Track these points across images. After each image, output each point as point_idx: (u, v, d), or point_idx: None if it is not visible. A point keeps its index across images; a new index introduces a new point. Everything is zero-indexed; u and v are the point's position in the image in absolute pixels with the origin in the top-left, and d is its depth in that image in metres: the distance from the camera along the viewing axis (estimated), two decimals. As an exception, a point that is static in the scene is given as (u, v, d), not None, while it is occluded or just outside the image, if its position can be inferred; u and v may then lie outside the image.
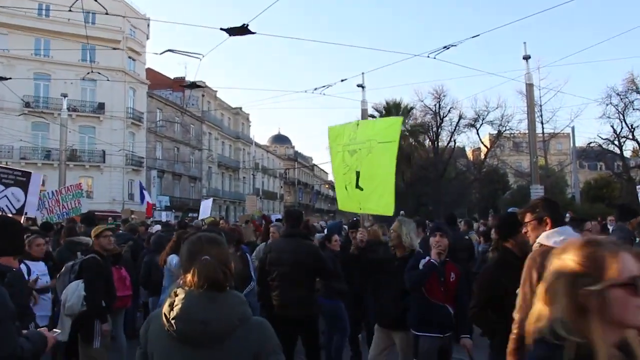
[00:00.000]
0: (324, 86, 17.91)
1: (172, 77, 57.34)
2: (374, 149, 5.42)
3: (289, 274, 5.74)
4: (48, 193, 13.83)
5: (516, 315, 3.27)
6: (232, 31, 11.24)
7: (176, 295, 2.32)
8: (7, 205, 5.44)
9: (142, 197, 27.05)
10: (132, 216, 23.16)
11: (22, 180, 5.77)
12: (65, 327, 5.41)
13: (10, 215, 5.15)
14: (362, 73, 26.46)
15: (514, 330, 3.25)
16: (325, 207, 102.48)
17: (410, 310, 5.27)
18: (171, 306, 2.30)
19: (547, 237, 3.37)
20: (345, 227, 12.30)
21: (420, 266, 5.15)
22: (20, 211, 5.53)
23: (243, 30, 11.17)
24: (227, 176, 67.10)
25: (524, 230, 3.66)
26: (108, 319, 5.74)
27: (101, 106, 43.17)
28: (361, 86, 26.44)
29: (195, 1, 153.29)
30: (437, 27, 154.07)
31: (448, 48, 12.43)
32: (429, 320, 5.06)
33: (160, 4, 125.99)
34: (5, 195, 5.50)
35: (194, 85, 16.82)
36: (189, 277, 2.34)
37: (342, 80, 18.41)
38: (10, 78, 17.37)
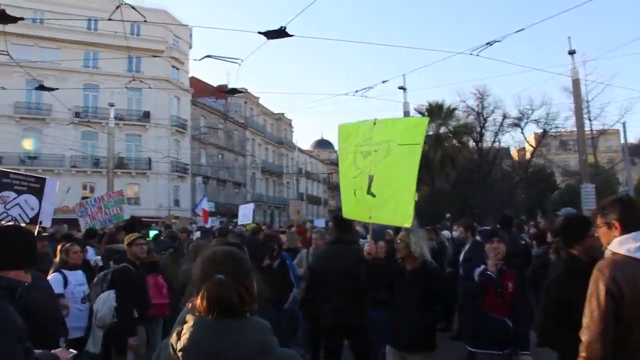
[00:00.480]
0: (365, 88, 17.71)
1: (214, 85, 58.11)
2: (393, 152, 4.80)
3: (339, 282, 5.48)
4: (90, 200, 14.00)
5: (583, 336, 2.86)
6: (270, 34, 11.19)
7: (185, 322, 1.99)
8: (20, 214, 5.15)
9: (198, 203, 26.44)
10: (174, 221, 23.41)
11: (36, 187, 5.37)
12: (96, 339, 5.34)
13: (23, 224, 4.78)
14: (403, 75, 26.30)
15: (582, 354, 2.85)
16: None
17: (464, 325, 4.98)
18: (179, 335, 1.97)
19: (619, 244, 2.87)
20: (390, 232, 12.18)
21: (475, 276, 4.79)
22: (34, 220, 5.17)
23: (281, 33, 11.10)
24: (271, 182, 67.42)
25: (595, 234, 3.24)
26: (138, 332, 5.62)
27: (147, 114, 43.98)
28: (402, 88, 26.15)
29: (235, 9, 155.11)
30: (478, 23, 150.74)
31: (491, 44, 12.01)
32: (485, 335, 4.63)
33: (202, 14, 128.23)
34: (18, 204, 5.18)
35: (234, 91, 16.90)
36: (199, 299, 1.98)
37: (383, 82, 18.11)
38: (57, 88, 17.74)
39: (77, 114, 40.70)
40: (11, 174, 5.32)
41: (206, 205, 22.50)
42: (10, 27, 37.09)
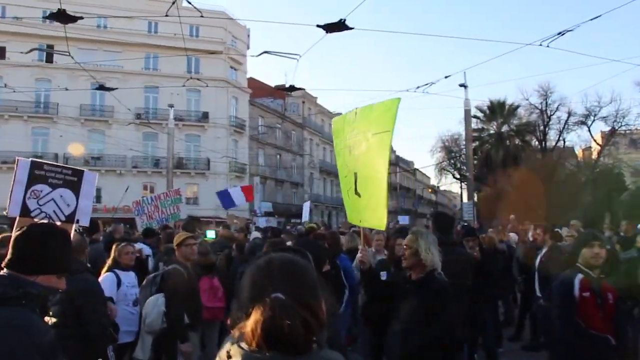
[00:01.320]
0: (426, 84, 17.08)
1: (272, 85, 58.24)
2: (369, 143, 4.25)
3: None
4: (147, 199, 13.95)
5: None
6: (329, 28, 10.80)
7: (229, 357, 1.50)
8: (54, 211, 4.50)
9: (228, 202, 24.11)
10: (235, 221, 23.21)
11: (73, 181, 4.68)
12: (146, 345, 5.05)
13: (58, 223, 4.24)
14: (464, 72, 25.45)
15: None
16: (428, 212, 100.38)
17: (555, 345, 4.35)
18: None
19: None
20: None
21: (576, 284, 4.05)
22: (70, 218, 4.54)
23: (340, 26, 10.68)
24: (329, 181, 67.17)
25: None
26: (189, 337, 5.28)
27: (205, 115, 44.45)
28: (463, 85, 25.29)
29: (291, 7, 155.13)
30: (546, 13, 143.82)
31: (563, 34, 11.25)
32: (587, 356, 3.95)
33: (260, 13, 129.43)
34: (53, 199, 4.53)
35: (292, 89, 16.52)
36: (249, 326, 1.46)
37: (445, 77, 17.46)
38: (116, 88, 17.86)
39: (138, 115, 41.52)
40: (45, 165, 4.71)
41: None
42: (75, 32, 38.34)
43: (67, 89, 25.67)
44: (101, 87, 16.81)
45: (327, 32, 11.09)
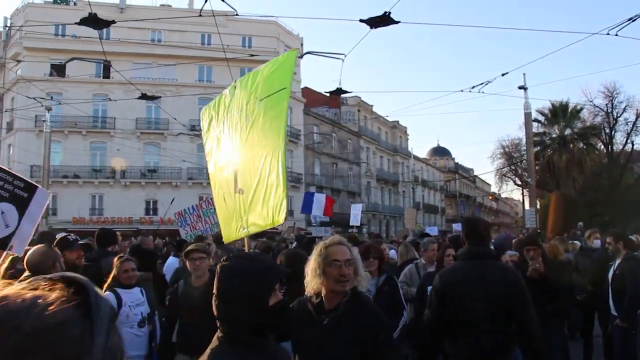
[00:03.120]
0: (482, 83, 15.98)
1: (327, 94, 57.78)
2: (255, 115, 3.25)
3: (481, 314, 3.93)
4: (189, 209, 13.43)
5: None
6: (373, 22, 10.01)
7: None
8: None
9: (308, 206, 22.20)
10: (288, 231, 22.52)
11: (22, 197, 3.67)
12: None
13: None
14: (523, 73, 24.06)
15: None
16: (489, 219, 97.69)
17: None
18: None
19: None
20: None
21: None
22: (2, 243, 3.55)
23: (385, 19, 9.85)
24: (387, 190, 66.16)
25: None
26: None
27: (260, 125, 44.25)
28: (523, 87, 23.92)
29: (338, 7, 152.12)
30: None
31: (634, 20, 10.06)
32: None
33: (312, 23, 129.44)
34: None
35: (339, 92, 15.83)
36: None
37: (503, 75, 16.11)
38: (159, 97, 17.61)
39: (192, 127, 41.75)
40: None
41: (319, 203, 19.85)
42: (131, 47, 38.96)
43: (113, 99, 25.25)
44: (144, 96, 16.50)
45: (371, 28, 10.30)
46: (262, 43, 43.96)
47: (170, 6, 44.49)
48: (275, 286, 2.19)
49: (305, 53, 12.22)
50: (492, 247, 4.68)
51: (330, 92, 16.62)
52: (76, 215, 38.66)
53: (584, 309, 8.30)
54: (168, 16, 40.34)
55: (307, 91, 52.27)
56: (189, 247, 5.10)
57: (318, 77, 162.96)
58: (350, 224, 19.34)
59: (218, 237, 8.75)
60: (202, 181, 41.97)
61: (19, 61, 36.97)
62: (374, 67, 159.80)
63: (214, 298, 2.22)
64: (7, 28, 45.53)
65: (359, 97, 60.03)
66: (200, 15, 11.19)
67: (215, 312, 2.20)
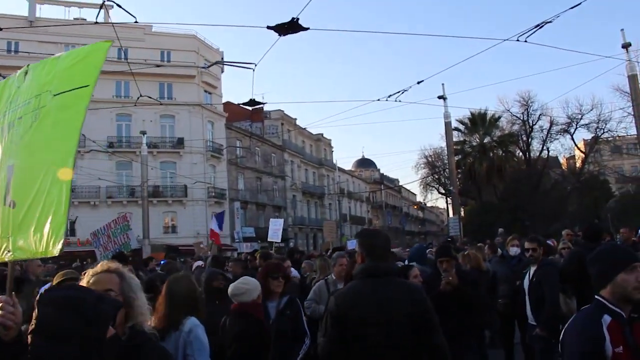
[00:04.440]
0: (398, 92, 16.23)
1: (250, 109, 57.67)
2: (44, 111, 2.58)
3: (384, 339, 3.39)
4: (101, 229, 12.93)
5: None
6: (282, 29, 10.00)
7: None
8: None
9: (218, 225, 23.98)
10: (202, 247, 22.30)
11: None
12: None
13: None
14: (442, 84, 24.78)
15: None
16: (416, 229, 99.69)
17: None
18: None
19: None
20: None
21: (607, 338, 2.60)
22: None
23: (294, 26, 9.83)
24: (313, 203, 66.39)
25: None
26: None
27: (180, 141, 43.56)
28: (442, 97, 24.53)
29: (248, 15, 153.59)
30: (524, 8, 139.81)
31: (541, 26, 10.40)
32: None
33: (229, 37, 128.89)
34: None
35: (253, 103, 15.71)
36: None
37: (418, 83, 16.40)
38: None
39: (110, 144, 40.63)
40: None
41: (217, 228, 20.34)
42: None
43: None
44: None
45: (280, 35, 10.30)
46: (182, 57, 43.44)
47: (84, 19, 43.22)
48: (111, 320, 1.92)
49: (214, 63, 12.23)
50: (393, 263, 4.21)
51: (244, 104, 16.49)
52: (-14, 239, 36.69)
53: (504, 318, 8.24)
54: (81, 30, 39.13)
55: (228, 106, 51.91)
56: (60, 278, 4.63)
57: (240, 91, 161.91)
58: (269, 239, 18.99)
59: (119, 258, 8.35)
60: (122, 200, 40.86)
61: None
62: (291, 78, 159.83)
63: (30, 337, 1.87)
64: None
65: (282, 111, 60.15)
66: (110, 24, 10.88)
67: (31, 354, 1.85)
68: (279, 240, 18.87)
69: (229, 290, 4.89)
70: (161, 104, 41.47)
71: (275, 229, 18.78)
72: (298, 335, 5.18)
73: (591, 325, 2.66)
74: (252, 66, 12.82)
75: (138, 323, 2.50)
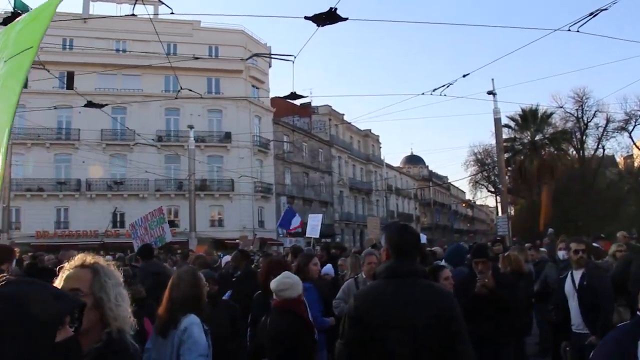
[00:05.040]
0: (443, 85, 15.65)
1: (298, 104, 57.74)
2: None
3: (405, 344, 3.05)
4: (138, 220, 12.91)
5: None
6: (319, 19, 9.67)
7: None
8: None
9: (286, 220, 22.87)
10: (249, 242, 22.10)
11: None
12: None
13: None
14: (492, 79, 24.00)
15: None
16: (464, 227, 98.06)
17: None
18: None
19: None
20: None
21: None
22: None
23: (332, 16, 9.46)
24: (360, 199, 65.97)
25: None
26: None
27: (228, 135, 43.84)
28: (492, 93, 23.82)
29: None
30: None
31: (595, 15, 9.69)
32: None
33: (283, 34, 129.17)
34: None
35: (295, 96, 15.46)
36: None
37: (464, 76, 15.74)
38: (106, 104, 16.97)
39: (159, 138, 41.23)
40: None
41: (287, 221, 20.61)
42: (95, 58, 38.37)
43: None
44: (90, 104, 15.93)
45: (318, 26, 9.98)
46: (229, 52, 43.68)
47: (135, 15, 43.84)
48: (65, 319, 1.69)
49: (253, 55, 11.99)
50: (419, 263, 3.55)
51: (286, 97, 16.26)
52: (40, 229, 37.78)
53: (552, 325, 7.73)
54: (132, 27, 39.75)
55: (276, 101, 52.00)
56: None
57: (288, 87, 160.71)
58: (307, 235, 18.73)
59: (142, 251, 8.11)
60: (170, 193, 41.42)
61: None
62: (336, 73, 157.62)
63: None
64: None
65: (330, 106, 59.94)
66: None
67: None
68: (318, 236, 18.62)
69: (272, 286, 4.66)
70: (204, 98, 41.84)
71: (314, 224, 18.50)
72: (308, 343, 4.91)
73: (624, 345, 2.23)
74: (292, 58, 12.56)
75: (116, 329, 2.23)
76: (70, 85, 39.62)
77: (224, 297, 6.30)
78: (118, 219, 39.16)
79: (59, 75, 37.90)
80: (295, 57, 12.63)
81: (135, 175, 39.60)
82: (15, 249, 7.26)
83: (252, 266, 9.44)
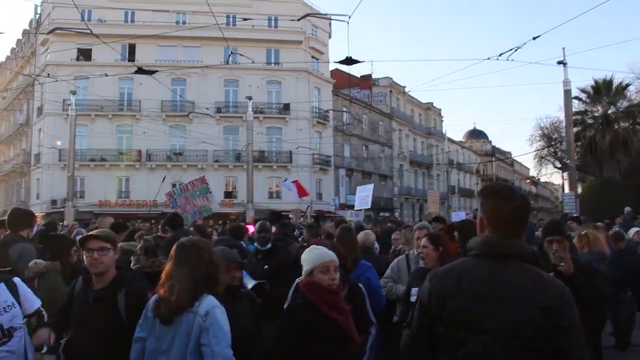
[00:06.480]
0: (511, 49, 14.65)
1: (359, 76, 56.77)
2: None
3: (495, 343, 2.28)
4: (177, 189, 12.43)
5: None
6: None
7: None
8: None
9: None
10: (290, 216, 21.55)
11: None
12: None
13: None
14: (562, 48, 22.78)
15: None
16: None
17: None
18: None
19: None
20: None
21: None
22: None
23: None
24: (420, 173, 64.83)
25: None
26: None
27: (286, 107, 43.50)
28: (562, 63, 22.57)
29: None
30: None
31: None
32: None
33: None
34: None
35: (350, 61, 14.93)
36: None
37: (534, 38, 14.74)
38: (156, 71, 16.75)
39: (218, 109, 41.35)
40: None
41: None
42: (155, 30, 38.56)
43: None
44: (140, 70, 15.78)
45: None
46: (288, 23, 43.10)
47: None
48: None
49: (305, 15, 11.39)
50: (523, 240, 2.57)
51: (340, 62, 15.68)
52: (102, 198, 38.71)
53: None
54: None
55: (336, 73, 51.28)
56: (85, 235, 3.89)
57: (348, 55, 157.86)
58: (356, 207, 18.04)
59: (172, 220, 7.56)
60: (228, 164, 41.60)
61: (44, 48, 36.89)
62: (393, 40, 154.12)
63: None
64: (38, 16, 45.83)
65: (391, 78, 58.81)
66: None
67: None
68: (369, 207, 17.94)
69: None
70: (263, 69, 41.89)
71: (364, 195, 17.76)
72: (362, 326, 4.06)
73: None
74: (346, 18, 12.09)
75: None
76: (132, 57, 40.09)
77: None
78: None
79: (121, 47, 38.45)
80: (349, 17, 12.09)
81: (194, 146, 39.92)
82: (37, 215, 6.95)
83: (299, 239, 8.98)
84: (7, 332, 3.59)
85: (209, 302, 3.20)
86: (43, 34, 40.38)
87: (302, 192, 21.56)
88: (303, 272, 3.74)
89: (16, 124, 49.25)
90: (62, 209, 32.39)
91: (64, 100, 35.70)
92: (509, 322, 2.26)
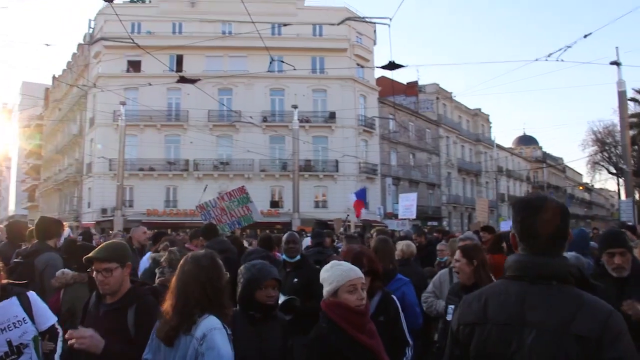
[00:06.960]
0: (561, 49, 14.11)
1: (405, 83, 56.26)
2: None
3: None
4: (211, 201, 12.23)
5: None
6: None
7: None
8: None
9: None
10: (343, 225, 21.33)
11: None
12: None
13: None
14: (616, 47, 21.97)
15: None
16: (581, 212, 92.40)
17: None
18: None
19: None
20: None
21: None
22: None
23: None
24: (469, 181, 63.65)
25: None
26: None
27: (332, 115, 43.30)
28: (616, 63, 21.72)
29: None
30: None
31: None
32: None
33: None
34: None
35: (393, 65, 14.56)
36: None
37: (585, 36, 14.20)
38: (198, 79, 16.77)
39: (264, 119, 41.50)
40: None
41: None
42: (202, 40, 39.02)
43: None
44: (182, 79, 15.82)
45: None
46: (333, 30, 42.98)
47: (241, -2, 44.28)
48: None
49: (345, 19, 11.12)
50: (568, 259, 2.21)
51: (383, 67, 15.31)
52: (150, 207, 39.28)
53: None
54: (238, 9, 39.97)
55: (382, 80, 50.90)
56: (88, 256, 3.51)
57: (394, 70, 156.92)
58: (400, 217, 17.68)
59: (206, 230, 7.39)
60: (274, 173, 41.69)
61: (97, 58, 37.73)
62: (438, 46, 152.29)
63: None
64: (91, 30, 47.03)
65: (437, 85, 58.12)
66: None
67: None
68: (414, 217, 17.50)
69: None
70: (309, 78, 41.81)
71: (408, 204, 17.32)
72: (395, 345, 3.77)
73: None
74: (387, 21, 11.79)
75: None
76: (179, 68, 40.70)
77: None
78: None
79: (169, 59, 39.07)
80: (391, 20, 11.78)
81: (240, 156, 40.14)
82: (65, 224, 6.89)
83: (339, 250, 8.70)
84: (16, 348, 3.45)
85: (208, 324, 2.92)
86: (88, 43, 41.49)
87: (359, 212, 21.05)
88: (325, 292, 3.35)
89: (70, 135, 50.69)
90: (111, 218, 33.00)
91: (114, 111, 36.42)
92: (538, 355, 1.95)
